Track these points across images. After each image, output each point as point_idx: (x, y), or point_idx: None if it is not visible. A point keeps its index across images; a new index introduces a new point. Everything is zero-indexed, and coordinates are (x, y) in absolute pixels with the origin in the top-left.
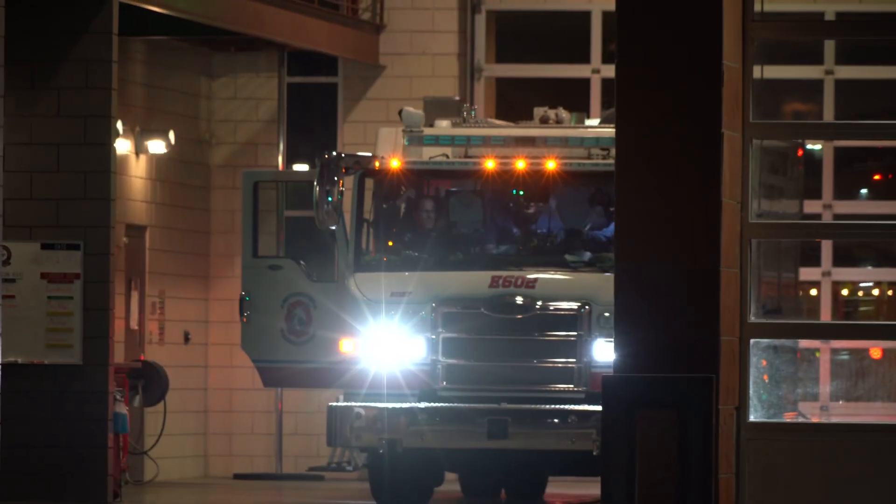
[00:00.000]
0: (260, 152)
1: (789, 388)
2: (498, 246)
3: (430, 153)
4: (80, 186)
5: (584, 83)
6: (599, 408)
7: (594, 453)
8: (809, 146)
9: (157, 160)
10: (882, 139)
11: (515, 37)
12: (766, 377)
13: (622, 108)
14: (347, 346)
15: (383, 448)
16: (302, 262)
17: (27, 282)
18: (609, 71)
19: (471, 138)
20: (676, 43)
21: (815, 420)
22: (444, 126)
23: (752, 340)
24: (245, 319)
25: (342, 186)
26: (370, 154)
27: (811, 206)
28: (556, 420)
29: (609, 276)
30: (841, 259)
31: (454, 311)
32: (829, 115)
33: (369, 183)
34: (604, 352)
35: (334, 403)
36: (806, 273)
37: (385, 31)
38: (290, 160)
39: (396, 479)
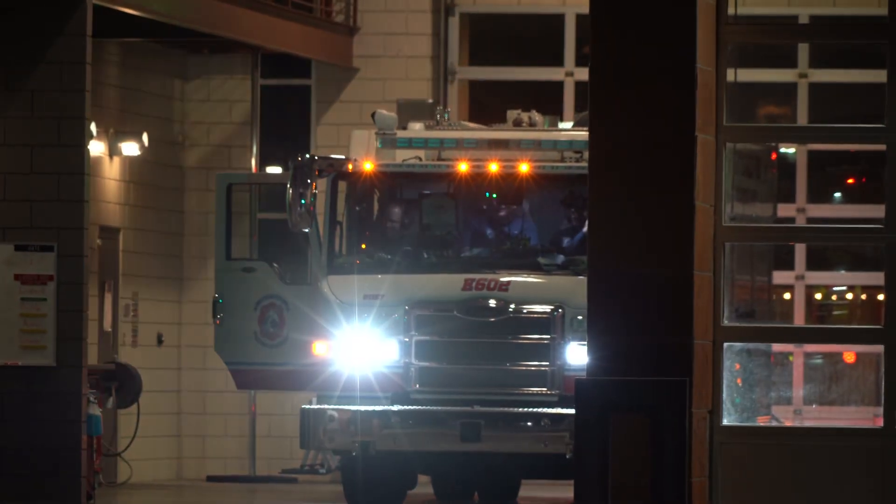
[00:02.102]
0: (233, 154)
1: (763, 391)
2: (471, 249)
3: (403, 156)
4: (53, 188)
5: (558, 86)
6: (572, 411)
7: (567, 456)
8: (783, 149)
9: (130, 162)
10: (856, 143)
11: (489, 39)
12: (739, 381)
13: (595, 111)
14: (320, 349)
15: (356, 450)
16: (275, 265)
17: (0, 283)
18: (583, 74)
19: (444, 141)
20: (650, 46)
21: (788, 424)
22: (417, 129)
23: (725, 343)
24: (218, 322)
25: (315, 189)
26: (343, 157)
27: (785, 210)
28: (529, 423)
29: (582, 279)
30: (814, 263)
31: (427, 313)
32: (802, 118)
33: (342, 185)
34: (577, 355)
35: (307, 406)
36: (779, 277)
37: (358, 33)
38: (263, 162)
39: (369, 482)
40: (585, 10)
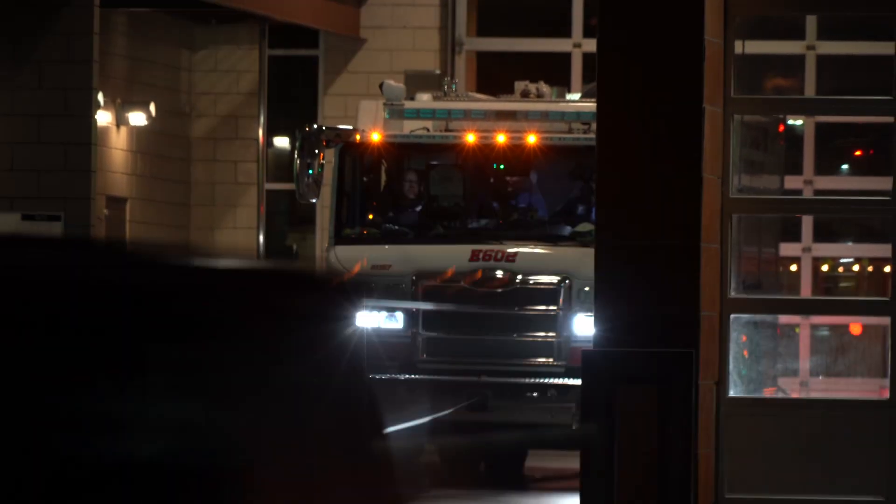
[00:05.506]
0: (240, 125)
1: (769, 363)
2: (478, 220)
3: (410, 126)
4: (60, 158)
5: (566, 57)
6: (579, 382)
7: (573, 427)
8: (790, 122)
9: (137, 132)
10: (863, 115)
11: (497, 11)
12: (745, 352)
13: (603, 82)
14: None
15: None
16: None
17: None
18: (590, 45)
19: (451, 112)
20: (658, 18)
21: (794, 395)
22: (424, 99)
23: (732, 316)
24: None
25: (322, 159)
26: (351, 127)
27: (792, 182)
28: (535, 394)
29: (589, 250)
30: (821, 235)
31: (434, 284)
32: (810, 90)
33: (350, 156)
34: (584, 326)
35: None
36: (786, 249)
37: (366, 4)
38: (270, 133)
39: None
40: None
